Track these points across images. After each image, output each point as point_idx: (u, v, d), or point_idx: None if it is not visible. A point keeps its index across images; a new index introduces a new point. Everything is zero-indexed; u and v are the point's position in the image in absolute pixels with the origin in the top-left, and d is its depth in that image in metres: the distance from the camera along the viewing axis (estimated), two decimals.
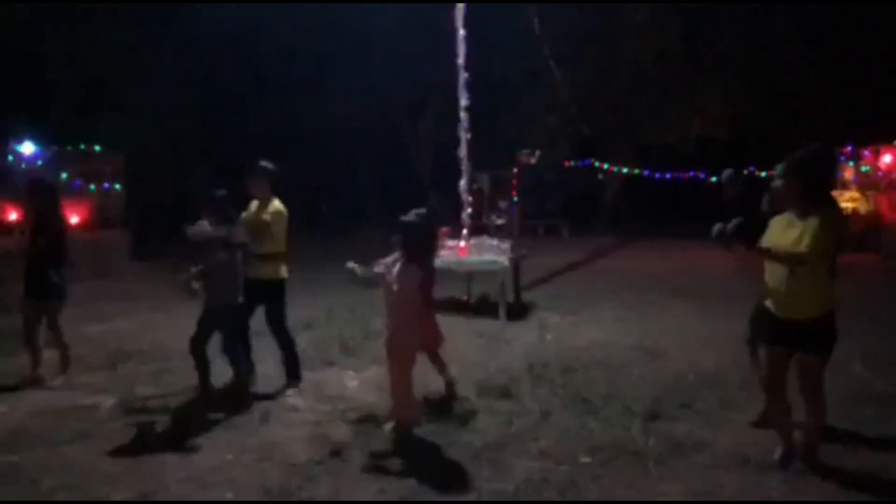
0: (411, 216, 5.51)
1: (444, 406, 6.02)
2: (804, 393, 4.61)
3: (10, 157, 14.05)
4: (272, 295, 6.60)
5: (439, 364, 6.27)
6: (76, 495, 4.54)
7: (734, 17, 20.02)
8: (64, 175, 14.73)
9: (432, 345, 6.19)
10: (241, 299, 6.25)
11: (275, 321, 6.67)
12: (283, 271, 6.63)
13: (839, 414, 5.61)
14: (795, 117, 20.26)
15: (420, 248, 5.49)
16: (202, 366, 6.19)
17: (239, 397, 6.20)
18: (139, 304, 10.66)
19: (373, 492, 4.52)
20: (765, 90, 20.35)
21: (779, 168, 4.78)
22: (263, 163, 6.68)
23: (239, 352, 6.34)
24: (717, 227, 4.48)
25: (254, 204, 6.68)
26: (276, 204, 6.60)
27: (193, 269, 6.10)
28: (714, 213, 5.65)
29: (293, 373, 6.76)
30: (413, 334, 5.47)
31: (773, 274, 4.53)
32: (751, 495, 4.44)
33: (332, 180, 25.10)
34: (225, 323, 6.21)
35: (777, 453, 4.78)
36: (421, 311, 5.58)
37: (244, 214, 6.61)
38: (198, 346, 6.14)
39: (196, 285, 6.13)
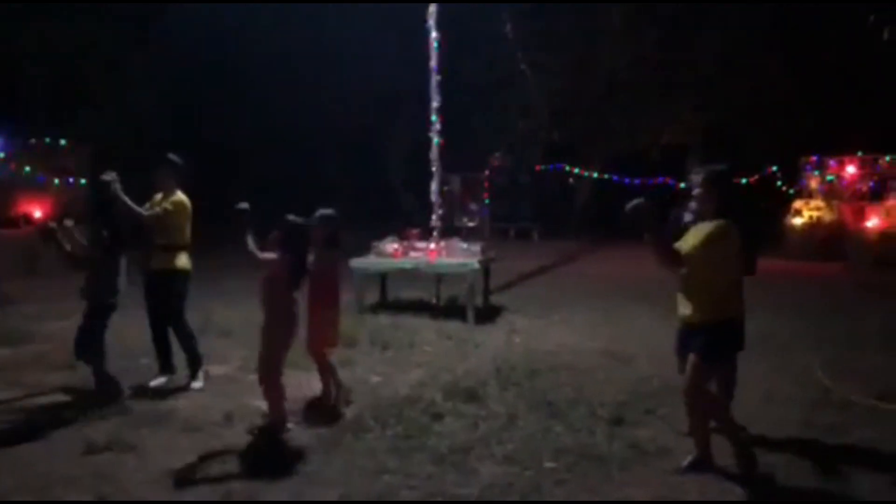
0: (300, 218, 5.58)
1: (321, 412, 5.97)
2: (684, 395, 4.78)
3: None
4: (172, 287, 6.61)
5: (324, 367, 6.18)
6: (34, 496, 4.45)
7: (708, 26, 20.24)
8: (27, 168, 14.48)
9: (318, 344, 6.12)
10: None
11: (174, 315, 6.67)
12: (184, 262, 6.67)
13: (799, 421, 5.70)
14: (764, 126, 20.55)
15: (298, 248, 5.50)
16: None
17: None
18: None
19: (335, 496, 4.48)
20: (736, 99, 20.61)
21: (696, 178, 4.92)
22: (170, 156, 6.73)
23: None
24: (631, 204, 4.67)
25: (157, 196, 6.71)
26: (179, 195, 6.65)
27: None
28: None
29: (193, 367, 6.76)
30: (280, 327, 5.50)
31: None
32: (714, 501, 4.46)
33: (302, 180, 24.93)
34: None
35: (689, 459, 4.85)
36: (311, 307, 5.76)
37: (146, 206, 6.64)
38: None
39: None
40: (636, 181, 21.86)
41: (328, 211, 6.09)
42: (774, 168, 20.12)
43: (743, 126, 20.81)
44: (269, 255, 5.42)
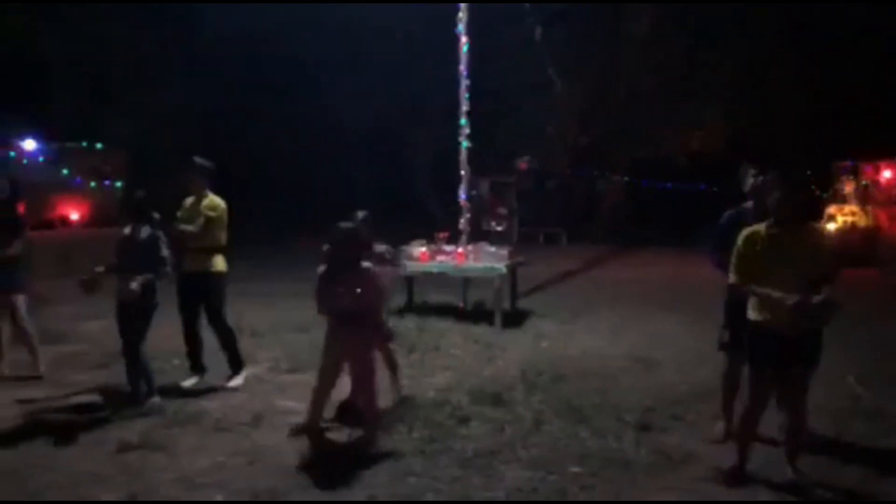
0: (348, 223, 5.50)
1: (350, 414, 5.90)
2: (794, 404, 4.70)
3: (12, 154, 14.08)
4: (210, 288, 6.67)
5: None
6: (65, 495, 4.54)
7: (735, 32, 20.08)
8: (65, 171, 14.77)
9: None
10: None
11: (213, 315, 6.75)
12: (220, 264, 6.73)
13: (830, 428, 5.64)
14: (794, 132, 20.32)
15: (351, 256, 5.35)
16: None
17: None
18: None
19: (362, 497, 4.52)
20: (764, 104, 20.41)
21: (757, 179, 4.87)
22: (199, 159, 6.79)
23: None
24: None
25: (188, 200, 6.79)
26: (213, 197, 6.73)
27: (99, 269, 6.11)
28: (708, 224, 5.73)
29: (234, 366, 6.86)
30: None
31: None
32: None
33: (330, 184, 25.07)
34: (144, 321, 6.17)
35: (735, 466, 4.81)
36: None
37: (179, 211, 6.76)
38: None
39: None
40: (666, 185, 21.77)
41: (363, 213, 6.12)
42: (807, 173, 19.88)
43: (772, 132, 20.58)
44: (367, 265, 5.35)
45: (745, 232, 4.69)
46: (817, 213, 17.76)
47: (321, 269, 5.31)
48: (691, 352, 8.17)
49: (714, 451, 5.23)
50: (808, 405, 4.77)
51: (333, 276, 5.24)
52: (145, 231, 6.10)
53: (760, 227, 4.63)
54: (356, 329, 5.26)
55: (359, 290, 5.17)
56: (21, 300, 7.06)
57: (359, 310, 5.21)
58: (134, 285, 5.87)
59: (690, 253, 16.62)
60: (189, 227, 6.54)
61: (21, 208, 7.57)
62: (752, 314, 4.70)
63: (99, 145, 15.81)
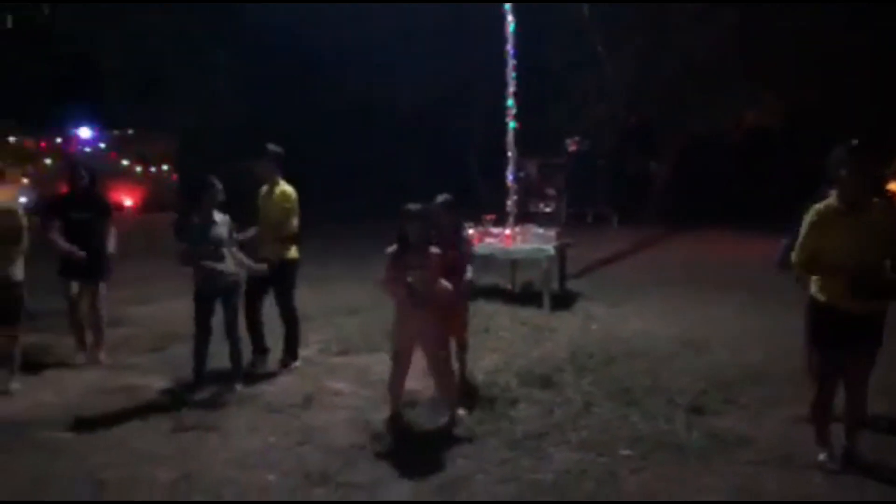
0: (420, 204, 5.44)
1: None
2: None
3: (69, 141, 14.46)
4: (284, 275, 6.75)
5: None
6: (122, 473, 4.66)
7: (790, 6, 19.46)
8: (119, 158, 15.11)
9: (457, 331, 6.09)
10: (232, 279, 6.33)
11: (284, 302, 6.83)
12: (294, 252, 6.78)
13: (889, 410, 5.47)
14: (851, 108, 19.68)
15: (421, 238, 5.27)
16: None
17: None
18: (189, 286, 10.84)
19: (413, 477, 4.55)
20: (823, 78, 19.78)
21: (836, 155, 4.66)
22: (270, 146, 6.81)
23: (240, 337, 6.40)
24: None
25: (263, 188, 6.82)
26: (285, 186, 6.76)
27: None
28: (766, 203, 5.58)
29: (291, 351, 6.91)
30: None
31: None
32: (793, 493, 4.36)
33: (379, 167, 25.16)
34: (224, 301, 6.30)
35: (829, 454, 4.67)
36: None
37: (259, 200, 6.81)
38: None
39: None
40: (717, 164, 21.31)
41: (447, 196, 6.05)
42: (873, 148, 19.25)
43: (829, 108, 19.94)
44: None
45: (817, 208, 4.53)
46: (882, 191, 17.24)
47: (391, 249, 5.26)
48: (743, 334, 8.03)
49: (768, 435, 5.13)
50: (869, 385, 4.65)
51: (403, 258, 5.18)
52: (220, 216, 6.24)
53: (831, 203, 4.49)
54: (427, 312, 5.21)
55: (429, 273, 5.13)
56: (104, 288, 7.25)
57: (430, 293, 5.15)
58: (261, 266, 6.25)
59: (744, 233, 16.31)
60: (245, 235, 6.63)
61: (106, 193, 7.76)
62: (816, 295, 4.58)
63: (150, 132, 16.12)
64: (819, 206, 4.53)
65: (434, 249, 5.23)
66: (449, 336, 5.62)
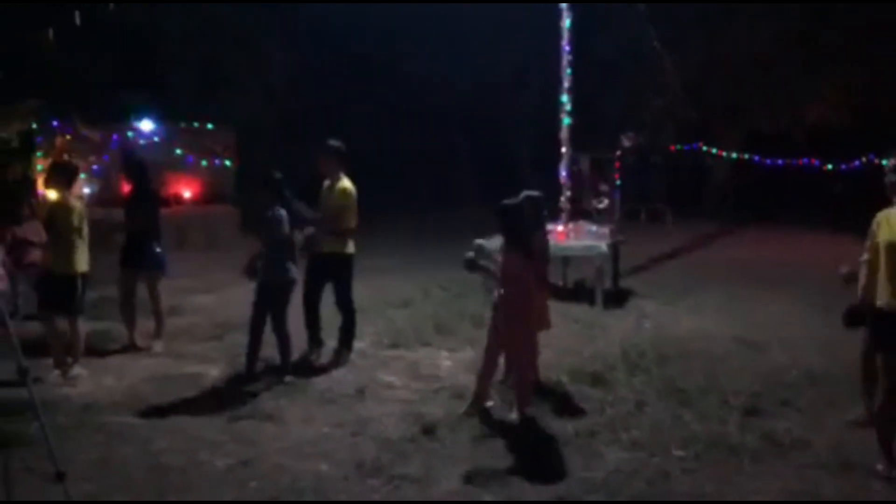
0: (513, 199, 5.55)
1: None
2: None
3: (130, 133, 14.83)
4: (341, 269, 6.82)
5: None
6: (183, 458, 4.81)
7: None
8: (178, 151, 15.44)
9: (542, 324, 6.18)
10: (292, 276, 6.43)
11: (342, 294, 6.89)
12: (351, 247, 6.84)
13: None
14: None
15: (518, 231, 5.46)
16: (255, 343, 6.40)
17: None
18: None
19: (463, 471, 4.59)
20: (888, 77, 19.15)
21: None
22: (332, 141, 6.85)
23: (287, 332, 6.46)
24: None
25: (325, 182, 6.87)
26: (345, 182, 6.80)
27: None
28: (827, 203, 5.49)
29: (347, 343, 6.97)
30: (519, 317, 5.46)
31: None
32: (851, 499, 4.27)
33: (431, 160, 25.22)
34: (280, 298, 6.38)
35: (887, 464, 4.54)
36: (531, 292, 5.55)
37: (321, 194, 6.87)
38: (256, 324, 6.37)
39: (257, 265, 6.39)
40: (779, 162, 20.83)
41: (534, 192, 6.16)
42: None
43: (894, 107, 19.29)
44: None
45: (880, 213, 4.55)
46: None
47: (490, 243, 5.44)
48: (801, 335, 7.86)
49: (825, 439, 5.03)
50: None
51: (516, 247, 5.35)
52: (280, 211, 6.34)
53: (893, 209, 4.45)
54: (503, 311, 5.37)
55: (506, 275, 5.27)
56: (161, 278, 7.48)
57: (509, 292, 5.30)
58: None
59: (803, 232, 15.96)
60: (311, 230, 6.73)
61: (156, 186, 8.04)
62: (878, 300, 4.49)
63: (210, 125, 16.41)
64: (882, 213, 4.46)
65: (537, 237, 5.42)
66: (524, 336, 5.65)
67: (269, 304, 6.34)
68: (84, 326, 6.72)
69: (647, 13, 20.04)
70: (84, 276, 6.52)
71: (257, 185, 6.49)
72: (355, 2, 20.38)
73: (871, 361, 4.85)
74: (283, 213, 6.34)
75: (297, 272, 6.53)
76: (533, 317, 5.69)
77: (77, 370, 6.47)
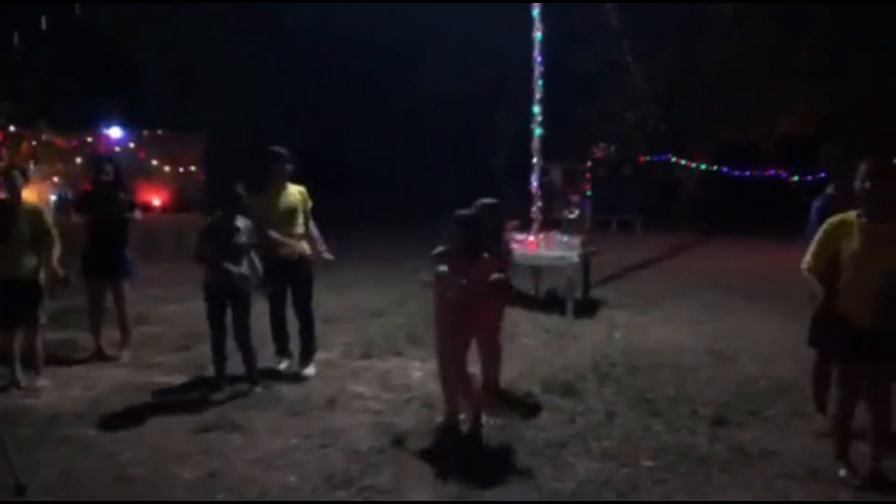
0: (469, 210, 5.48)
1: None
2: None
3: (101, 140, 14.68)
4: (302, 273, 6.81)
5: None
6: (149, 469, 4.72)
7: (824, 13, 19.24)
8: (154, 162, 15.30)
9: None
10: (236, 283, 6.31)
11: (301, 300, 6.87)
12: (308, 249, 6.85)
13: None
14: (888, 118, 19.42)
15: (478, 242, 5.29)
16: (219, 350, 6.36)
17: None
18: None
19: (433, 483, 4.56)
20: (855, 89, 19.53)
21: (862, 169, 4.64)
22: (277, 148, 6.84)
23: (250, 342, 6.39)
24: None
25: (275, 188, 6.79)
26: (298, 187, 6.86)
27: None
28: (795, 213, 5.59)
29: (308, 354, 6.91)
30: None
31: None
32: None
33: (407, 169, 25.24)
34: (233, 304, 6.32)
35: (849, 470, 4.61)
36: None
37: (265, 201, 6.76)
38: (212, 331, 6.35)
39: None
40: (747, 173, 21.12)
41: (490, 200, 6.08)
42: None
43: (862, 118, 19.68)
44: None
45: (835, 219, 4.54)
46: None
47: (439, 256, 5.24)
48: (772, 345, 7.94)
49: (793, 449, 5.07)
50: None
51: (452, 263, 5.17)
52: (242, 221, 6.29)
53: (851, 216, 4.46)
54: (477, 313, 5.25)
55: (477, 278, 5.11)
56: (127, 286, 7.33)
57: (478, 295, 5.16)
58: (244, 271, 6.21)
59: (773, 242, 16.15)
60: (276, 234, 6.64)
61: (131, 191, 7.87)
62: (836, 309, 4.54)
63: (179, 133, 16.27)
64: (842, 217, 4.51)
65: (485, 255, 5.23)
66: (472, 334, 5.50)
67: (217, 308, 6.28)
68: (49, 336, 6.58)
69: (619, 27, 20.28)
70: (36, 283, 6.31)
71: (219, 196, 6.42)
72: (332, 1, 20.30)
73: (825, 369, 4.99)
74: (241, 223, 6.27)
75: (250, 280, 6.40)
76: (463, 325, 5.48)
77: (40, 381, 6.34)
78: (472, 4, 20.61)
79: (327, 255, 6.91)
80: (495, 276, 5.16)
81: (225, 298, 6.26)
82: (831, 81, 19.66)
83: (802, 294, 5.33)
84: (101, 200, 7.12)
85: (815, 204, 5.60)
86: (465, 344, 5.35)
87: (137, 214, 7.35)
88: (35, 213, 6.36)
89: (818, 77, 19.83)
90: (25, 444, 4.92)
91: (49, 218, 6.44)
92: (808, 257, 4.63)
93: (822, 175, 5.16)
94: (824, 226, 4.56)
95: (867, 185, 4.41)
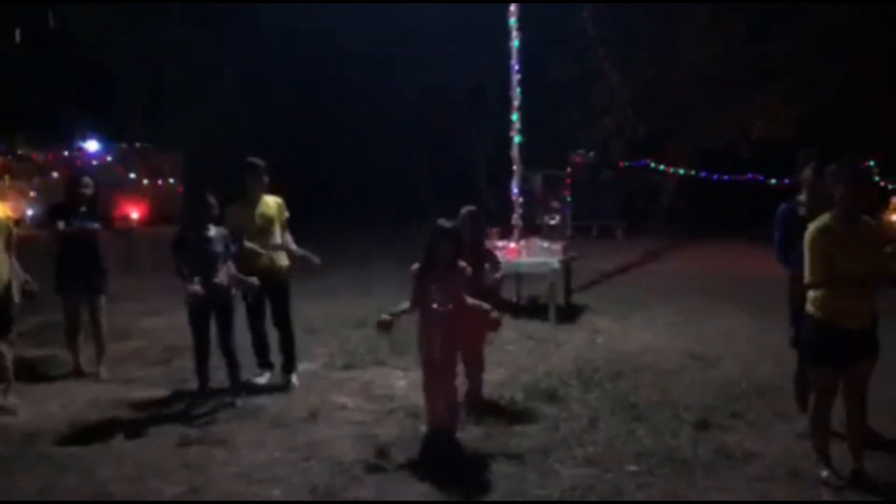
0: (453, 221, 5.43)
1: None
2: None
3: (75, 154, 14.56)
4: (279, 285, 6.80)
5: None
6: (130, 487, 4.66)
7: (798, 15, 19.46)
8: (132, 175, 15.19)
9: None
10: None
11: (280, 312, 6.86)
12: (286, 260, 6.85)
13: (890, 426, 5.42)
14: (863, 119, 19.67)
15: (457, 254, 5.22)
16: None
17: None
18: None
19: (417, 493, 4.54)
20: (831, 90, 19.76)
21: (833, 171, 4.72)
22: (253, 159, 6.81)
23: (234, 352, 6.39)
24: None
25: (250, 200, 6.77)
26: (274, 198, 6.85)
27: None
28: (773, 217, 5.64)
29: (289, 366, 6.89)
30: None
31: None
32: None
33: (388, 177, 25.20)
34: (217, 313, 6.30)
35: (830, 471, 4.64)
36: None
37: (231, 211, 6.74)
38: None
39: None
40: (725, 177, 21.28)
41: (471, 207, 6.12)
42: (871, 164, 19.21)
43: (838, 119, 19.91)
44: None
45: (818, 226, 4.52)
46: (886, 204, 17.22)
47: (416, 267, 5.20)
48: (753, 348, 8.00)
49: (775, 450, 5.10)
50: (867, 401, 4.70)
51: (430, 274, 5.13)
52: (216, 231, 6.24)
53: (827, 220, 4.50)
54: (456, 325, 5.17)
55: (458, 289, 5.10)
56: (103, 300, 7.24)
57: (459, 306, 5.13)
58: (253, 280, 6.24)
59: (753, 246, 16.27)
60: (253, 245, 6.62)
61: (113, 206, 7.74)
62: (813, 311, 4.57)
63: (155, 145, 16.20)
64: (823, 222, 4.53)
65: (462, 264, 5.18)
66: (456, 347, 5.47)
67: (200, 320, 6.23)
68: (27, 353, 6.47)
69: (596, 33, 20.40)
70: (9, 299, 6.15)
71: (190, 206, 6.38)
72: (309, 2, 20.21)
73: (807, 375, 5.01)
74: (214, 232, 6.22)
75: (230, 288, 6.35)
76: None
77: (10, 399, 6.18)
78: (449, 11, 20.62)
79: (315, 259, 6.86)
80: (484, 305, 5.20)
81: (208, 310, 6.21)
82: (808, 81, 19.88)
83: (781, 296, 5.37)
84: (78, 215, 6.99)
85: (784, 207, 5.65)
86: (450, 354, 5.30)
87: (96, 226, 7.15)
88: (5, 228, 6.25)
89: (791, 80, 20.06)
90: (2, 462, 4.86)
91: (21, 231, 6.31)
92: (807, 274, 4.53)
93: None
94: (810, 237, 4.51)
95: (840, 188, 4.47)
